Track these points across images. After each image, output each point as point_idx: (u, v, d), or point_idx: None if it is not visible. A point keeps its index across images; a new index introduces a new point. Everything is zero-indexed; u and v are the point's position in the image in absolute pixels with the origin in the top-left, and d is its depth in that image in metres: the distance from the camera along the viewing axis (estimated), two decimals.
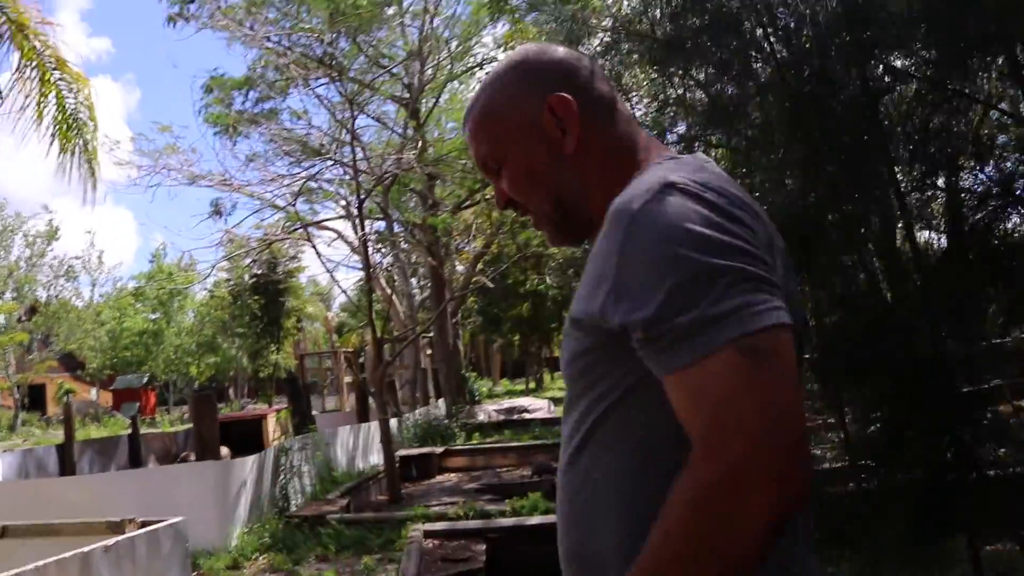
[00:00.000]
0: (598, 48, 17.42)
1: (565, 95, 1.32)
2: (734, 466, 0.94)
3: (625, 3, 16.07)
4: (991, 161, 4.58)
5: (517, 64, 1.39)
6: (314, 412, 21.17)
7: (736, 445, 0.95)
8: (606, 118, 1.34)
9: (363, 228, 14.36)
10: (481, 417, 21.77)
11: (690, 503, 0.96)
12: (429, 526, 8.45)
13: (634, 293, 1.06)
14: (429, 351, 27.22)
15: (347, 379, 27.54)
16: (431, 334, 24.41)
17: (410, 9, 22.04)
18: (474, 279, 24.39)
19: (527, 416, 21.72)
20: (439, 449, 15.43)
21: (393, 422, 14.45)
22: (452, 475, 14.46)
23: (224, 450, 12.92)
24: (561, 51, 1.39)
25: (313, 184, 19.60)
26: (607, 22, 16.94)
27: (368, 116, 22.00)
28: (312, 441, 12.79)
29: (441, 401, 23.17)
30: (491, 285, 20.24)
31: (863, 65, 3.82)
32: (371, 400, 16.13)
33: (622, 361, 1.13)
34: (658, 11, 6.19)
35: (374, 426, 14.70)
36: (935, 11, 3.56)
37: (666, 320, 1.02)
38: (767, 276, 1.05)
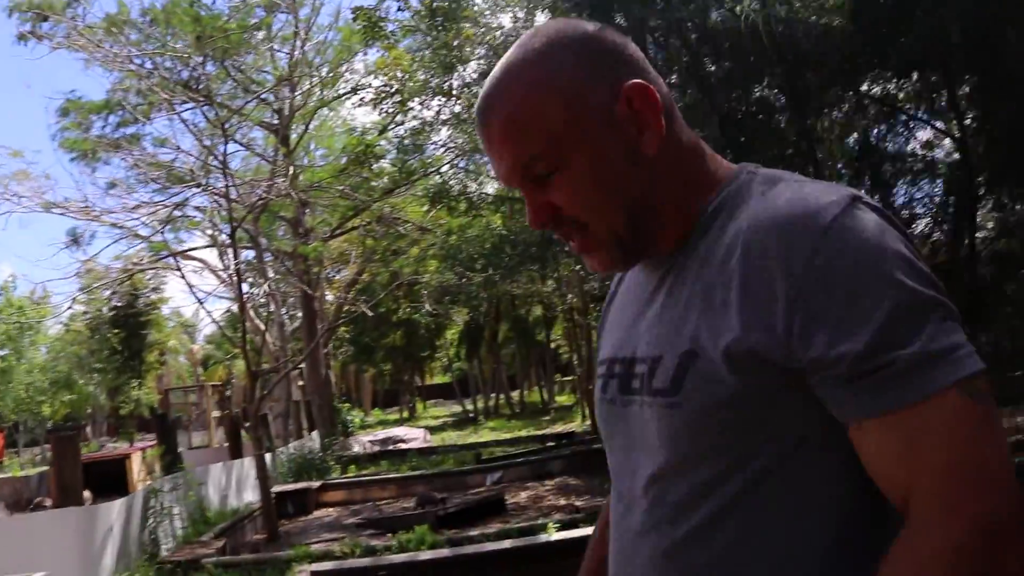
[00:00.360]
0: (473, 75, 17.52)
1: (644, 83, 1.06)
2: (987, 522, 0.83)
3: (498, 33, 16.31)
4: (923, 179, 4.81)
5: (577, 40, 1.08)
6: (180, 449, 20.25)
7: (989, 498, 0.84)
8: (675, 113, 1.10)
9: (236, 257, 13.89)
10: (356, 449, 21.37)
11: (942, 570, 0.83)
12: (317, 566, 8.15)
13: (835, 321, 0.89)
14: (301, 382, 26.54)
15: (215, 413, 26.52)
16: (303, 365, 23.81)
17: (279, 34, 21.65)
18: (346, 308, 23.98)
19: (403, 446, 21.46)
20: (316, 484, 15.00)
21: (267, 457, 13.97)
22: (331, 510, 14.06)
23: (86, 494, 12.17)
24: (607, 30, 1.12)
25: (178, 212, 18.87)
26: (481, 50, 17.12)
27: (237, 143, 21.38)
28: (184, 480, 12.19)
29: (315, 434, 22.58)
30: (370, 313, 19.87)
31: (796, 86, 3.91)
32: (244, 434, 15.55)
33: (786, 407, 0.96)
34: None
35: (247, 462, 14.17)
36: (875, 37, 3.72)
37: (881, 354, 0.87)
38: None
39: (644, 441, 1.07)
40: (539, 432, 23.01)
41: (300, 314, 24.89)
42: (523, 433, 23.92)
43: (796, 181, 1.03)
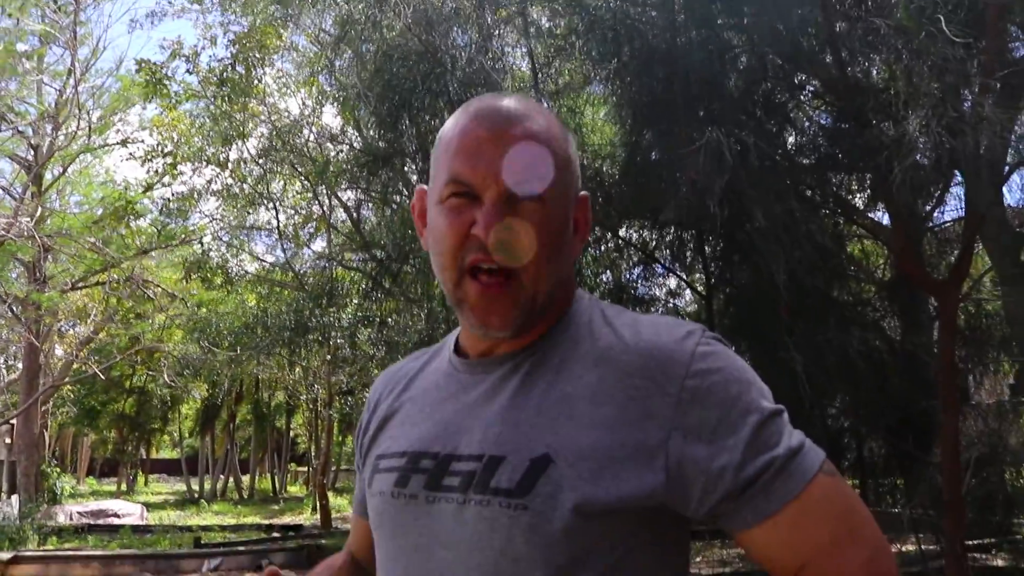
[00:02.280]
0: (251, 152, 17.28)
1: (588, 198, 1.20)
2: (876, 570, 0.99)
3: (285, 116, 16.34)
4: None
5: (568, 132, 1.18)
6: None
7: (868, 554, 0.99)
8: None
9: None
10: (62, 519, 19.54)
11: None
12: None
13: (709, 435, 0.98)
14: (9, 440, 24.14)
15: None
16: (14, 421, 21.73)
17: (51, 68, 20.48)
18: (76, 366, 22.31)
19: (116, 521, 19.89)
20: (6, 555, 13.56)
21: None
22: None
23: None
24: None
25: None
26: (263, 129, 17.00)
27: None
28: None
29: (15, 498, 20.47)
30: (102, 376, 18.58)
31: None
32: None
33: (628, 518, 1.00)
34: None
35: None
36: (641, 191, 4.15)
37: (759, 458, 0.97)
38: None
39: (456, 541, 1.04)
40: (265, 521, 22.11)
41: (21, 365, 22.82)
42: (249, 520, 22.88)
43: (635, 313, 1.15)
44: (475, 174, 1.06)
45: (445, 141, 1.11)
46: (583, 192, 1.17)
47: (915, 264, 4.03)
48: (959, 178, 4.21)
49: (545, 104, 4.70)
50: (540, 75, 4.56)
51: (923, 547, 5.41)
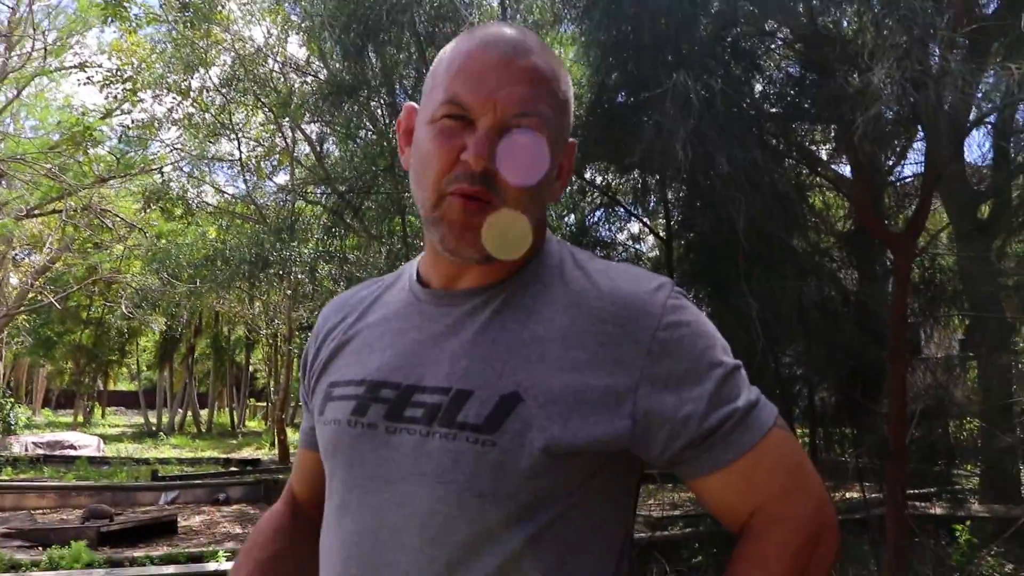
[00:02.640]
0: (214, 80, 16.92)
1: (575, 144, 1.19)
2: (812, 524, 1.04)
3: (249, 44, 15.98)
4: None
5: (566, 74, 1.15)
6: None
7: (812, 505, 1.05)
8: None
9: None
10: (17, 449, 19.44)
11: (780, 566, 1.03)
12: None
13: (675, 385, 1.01)
14: None
15: None
16: None
17: None
18: (32, 296, 21.98)
19: (72, 453, 19.81)
20: None
21: None
22: None
23: None
24: None
25: None
26: (226, 57, 16.63)
27: None
28: None
29: None
30: (58, 306, 18.33)
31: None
32: None
33: (588, 459, 1.02)
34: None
35: None
36: (607, 132, 4.12)
37: (721, 409, 1.01)
38: None
39: (419, 473, 1.03)
40: (223, 455, 22.15)
41: None
42: (207, 454, 22.91)
43: (606, 259, 1.17)
44: (475, 98, 1.03)
45: (447, 61, 1.08)
46: (572, 139, 1.16)
47: (873, 216, 4.07)
48: (922, 134, 4.24)
49: None
50: (509, 11, 4.47)
51: (867, 495, 5.56)
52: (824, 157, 5.24)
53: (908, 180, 5.47)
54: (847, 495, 6.35)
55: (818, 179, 4.91)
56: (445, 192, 1.04)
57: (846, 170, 5.27)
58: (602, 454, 1.01)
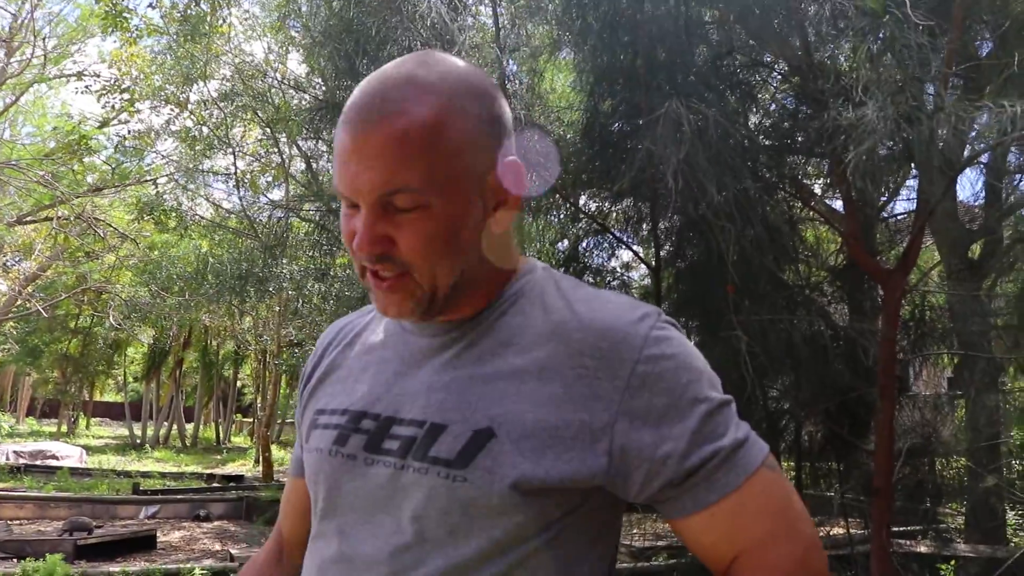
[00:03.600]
0: (212, 94, 16.93)
1: (520, 164, 1.05)
2: (807, 566, 0.99)
3: (249, 59, 16.02)
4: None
5: (485, 93, 1.03)
6: None
7: (800, 553, 0.99)
8: None
9: None
10: None
11: None
12: None
13: (656, 421, 0.96)
14: None
15: None
16: None
17: None
18: (19, 303, 21.85)
19: (54, 463, 19.64)
20: None
21: None
22: None
23: None
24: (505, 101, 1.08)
25: None
26: (226, 71, 16.66)
27: None
28: None
29: None
30: (45, 314, 18.22)
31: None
32: None
33: (562, 496, 0.99)
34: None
35: None
36: (600, 158, 4.11)
37: (704, 447, 0.97)
38: None
39: (394, 506, 1.02)
40: (207, 470, 21.98)
41: None
42: (190, 468, 22.74)
43: (594, 288, 1.10)
44: (345, 187, 0.99)
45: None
46: (509, 158, 1.03)
47: (864, 251, 4.06)
48: (915, 171, 4.24)
49: (506, 63, 4.61)
50: (503, 32, 4.47)
51: (851, 531, 5.52)
52: (817, 191, 5.25)
53: (900, 217, 5.47)
54: (830, 532, 6.31)
55: (810, 212, 4.91)
56: (363, 266, 1.04)
57: (838, 205, 5.28)
58: (577, 491, 0.98)
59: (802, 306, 4.09)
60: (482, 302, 1.07)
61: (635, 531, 10.68)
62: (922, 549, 6.82)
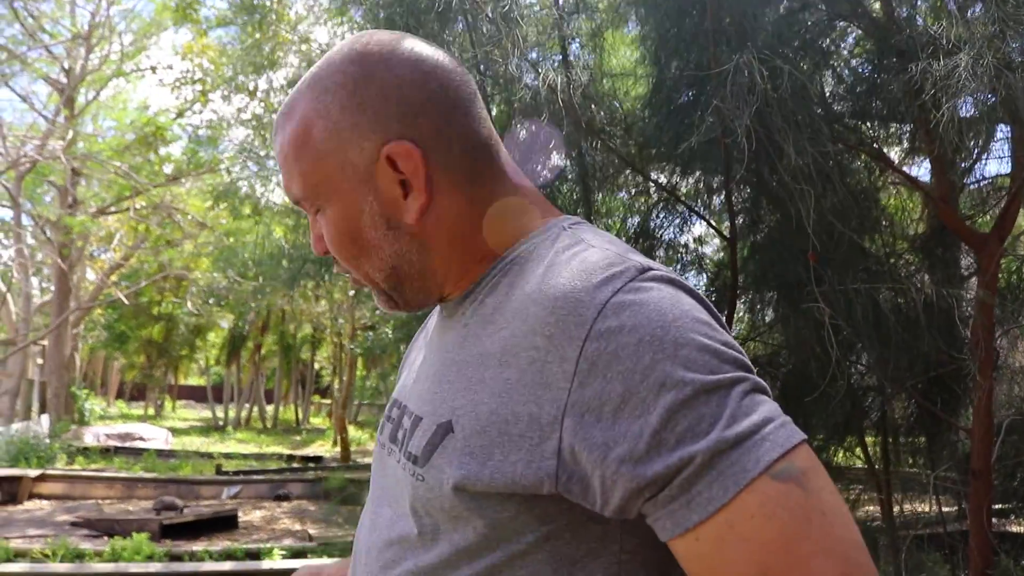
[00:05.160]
0: (281, 82, 17.09)
1: (408, 145, 0.91)
2: None
3: (315, 43, 16.13)
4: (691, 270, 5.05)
5: (360, 77, 0.93)
6: None
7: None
8: (470, 170, 0.95)
9: None
10: (89, 439, 19.94)
11: None
12: (4, 567, 7.45)
13: (611, 416, 0.76)
14: (41, 360, 24.55)
15: None
16: (45, 342, 22.08)
17: None
18: (106, 291, 22.54)
19: (141, 444, 20.28)
20: (33, 472, 13.82)
21: None
22: (45, 503, 13.01)
23: None
24: (412, 60, 0.94)
25: None
26: (293, 58, 16.82)
27: (13, 91, 19.79)
28: None
29: (44, 417, 20.89)
30: (126, 301, 18.73)
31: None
32: None
33: (533, 505, 0.83)
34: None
35: None
36: (667, 129, 3.95)
37: (668, 454, 0.74)
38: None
39: (394, 498, 0.97)
40: (287, 451, 22.43)
41: (54, 288, 23.10)
42: (270, 450, 23.24)
43: (593, 246, 0.88)
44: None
45: None
46: (398, 144, 0.91)
47: (955, 215, 3.81)
48: (1008, 132, 3.97)
49: (566, 28, 4.45)
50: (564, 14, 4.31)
51: (943, 508, 5.28)
52: (899, 155, 4.98)
53: (993, 178, 5.16)
54: (920, 508, 6.07)
55: (892, 176, 4.65)
56: None
57: (921, 171, 5.00)
58: (531, 501, 0.81)
59: (886, 275, 3.87)
60: (472, 278, 0.98)
61: None
62: (1017, 528, 6.53)
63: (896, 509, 5.22)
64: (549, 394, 0.78)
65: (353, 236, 0.96)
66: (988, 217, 4.86)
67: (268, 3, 14.90)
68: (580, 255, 0.86)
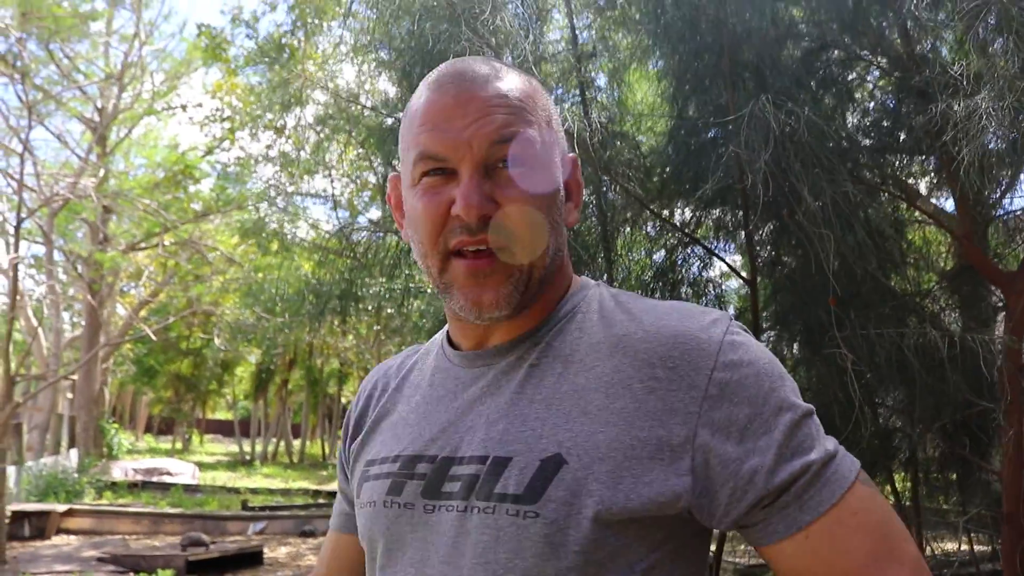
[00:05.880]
0: (308, 120, 17.25)
1: (578, 159, 1.06)
2: None
3: (341, 81, 16.31)
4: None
5: (542, 90, 1.03)
6: None
7: (904, 569, 0.88)
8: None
9: (16, 249, 12.96)
10: (117, 474, 20.05)
11: None
12: None
13: (739, 434, 0.87)
14: (70, 395, 24.78)
15: None
16: (75, 376, 22.29)
17: (119, 31, 20.77)
18: (136, 326, 22.75)
19: (168, 479, 20.35)
20: (61, 507, 13.88)
21: (11, 470, 12.88)
22: (72, 538, 13.04)
23: None
24: None
25: None
26: (321, 95, 17.01)
27: (48, 129, 20.18)
28: None
29: (73, 452, 21.04)
30: (154, 337, 18.88)
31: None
32: None
33: (651, 527, 0.90)
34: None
35: None
36: (687, 166, 3.93)
37: (792, 462, 0.87)
38: None
39: (457, 554, 0.92)
40: (313, 487, 22.40)
41: (84, 323, 23.37)
42: (296, 485, 23.22)
43: (654, 300, 1.01)
44: (445, 145, 0.93)
45: (411, 116, 0.99)
46: (571, 154, 1.05)
47: (981, 253, 3.75)
48: None
49: (585, 71, 4.47)
50: (581, 42, 4.33)
51: (974, 547, 5.16)
52: (923, 191, 4.93)
53: (1018, 213, 5.09)
54: (951, 547, 5.94)
55: (916, 213, 4.59)
56: (446, 252, 0.96)
57: (947, 205, 4.94)
58: (661, 519, 0.87)
59: (911, 315, 3.81)
60: (542, 313, 1.01)
61: (741, 547, 10.32)
62: None
63: (927, 549, 5.10)
64: (677, 418, 0.87)
65: (549, 201, 0.97)
66: (1018, 251, 4.80)
67: (296, 43, 15.12)
68: (665, 303, 0.97)
